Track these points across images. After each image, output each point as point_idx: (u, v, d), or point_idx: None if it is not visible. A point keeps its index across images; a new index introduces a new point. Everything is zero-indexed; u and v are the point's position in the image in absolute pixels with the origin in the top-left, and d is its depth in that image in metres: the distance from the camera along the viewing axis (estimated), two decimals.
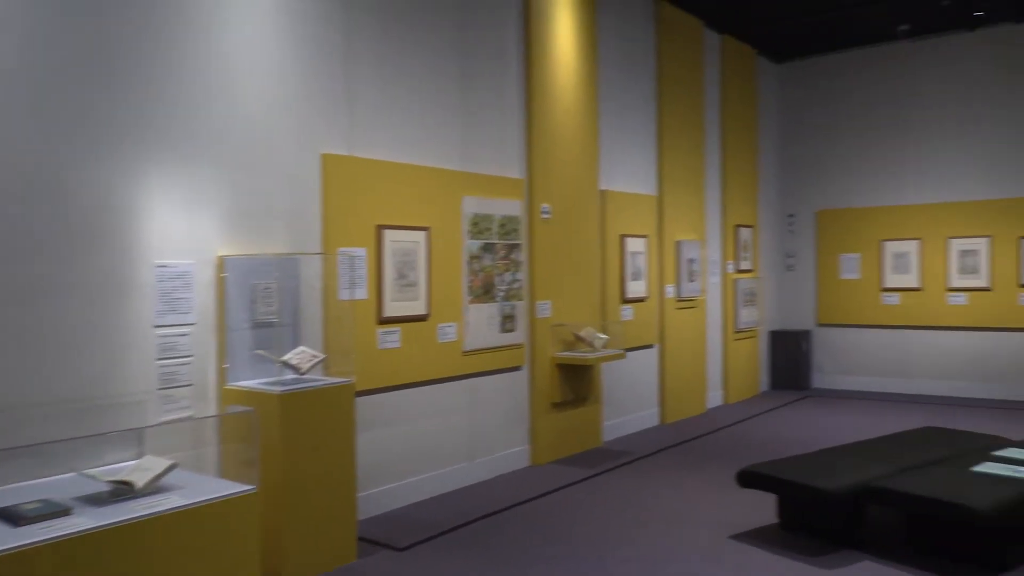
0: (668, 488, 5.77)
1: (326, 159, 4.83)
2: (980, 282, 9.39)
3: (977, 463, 4.61)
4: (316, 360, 4.34)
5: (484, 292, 5.93)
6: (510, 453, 6.25)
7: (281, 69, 4.61)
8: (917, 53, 9.77)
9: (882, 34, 9.50)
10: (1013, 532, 4.15)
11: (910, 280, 9.83)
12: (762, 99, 10.29)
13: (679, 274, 8.31)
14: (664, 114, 8.14)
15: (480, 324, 5.89)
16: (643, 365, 7.90)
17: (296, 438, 4.02)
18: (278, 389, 4.04)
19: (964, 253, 9.49)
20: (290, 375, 4.30)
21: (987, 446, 5.12)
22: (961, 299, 9.51)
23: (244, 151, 4.39)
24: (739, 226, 9.59)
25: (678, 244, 8.31)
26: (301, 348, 4.40)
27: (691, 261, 8.48)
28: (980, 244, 9.38)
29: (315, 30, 4.79)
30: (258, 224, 4.46)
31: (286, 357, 4.29)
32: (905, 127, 9.92)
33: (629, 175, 7.76)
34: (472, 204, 5.83)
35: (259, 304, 4.37)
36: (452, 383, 5.71)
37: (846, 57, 10.28)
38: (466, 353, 5.78)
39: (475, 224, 5.85)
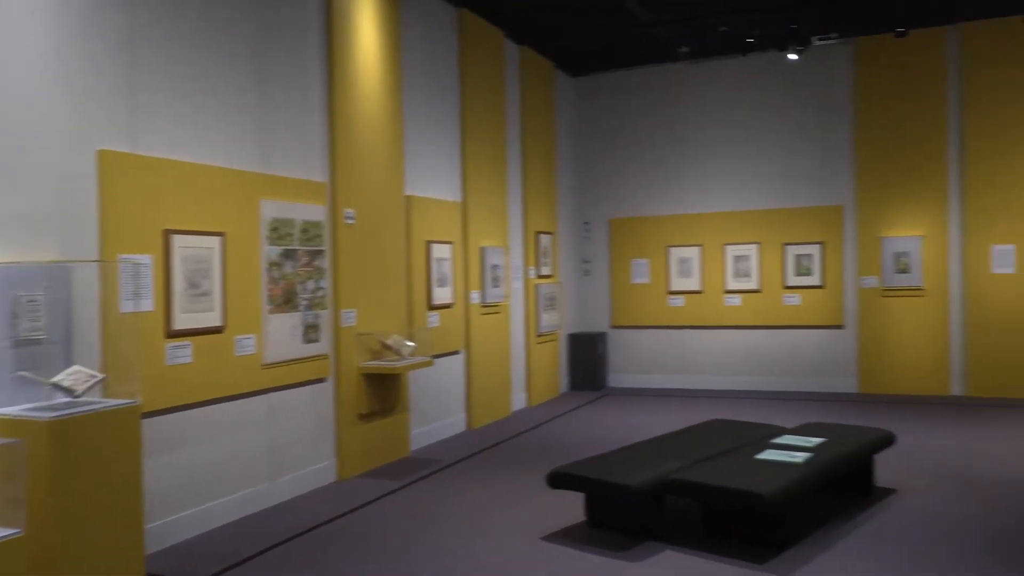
0: (479, 494, 5.77)
1: (103, 156, 4.35)
2: (752, 285, 10.31)
3: (760, 451, 5.00)
4: (93, 380, 3.89)
5: (285, 301, 5.63)
6: (315, 469, 5.98)
7: (51, 52, 4.09)
8: (697, 74, 10.57)
9: (666, 54, 10.17)
10: (792, 512, 4.53)
11: (693, 283, 10.59)
12: (559, 111, 10.68)
13: (484, 280, 8.39)
14: (468, 121, 8.19)
15: (281, 335, 5.59)
16: (450, 371, 7.89)
17: (71, 470, 3.57)
18: (47, 415, 3.56)
19: (738, 258, 10.37)
20: (62, 399, 3.81)
21: (767, 435, 5.58)
22: (736, 300, 10.38)
23: (3, 144, 3.85)
24: (540, 233, 9.86)
25: (482, 250, 8.39)
26: (75, 368, 3.92)
27: (495, 267, 8.59)
28: (751, 250, 10.30)
29: (90, 5, 4.30)
30: (22, 228, 3.93)
31: (57, 379, 3.80)
32: (687, 142, 10.68)
33: (434, 181, 7.73)
34: (272, 208, 5.52)
35: (22, 319, 3.84)
36: (251, 399, 5.37)
37: (635, 74, 10.91)
38: (266, 366, 5.45)
39: (275, 229, 5.54)
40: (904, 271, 9.57)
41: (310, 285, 5.88)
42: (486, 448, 7.28)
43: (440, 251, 7.62)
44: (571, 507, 5.17)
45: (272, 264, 5.52)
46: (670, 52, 10.02)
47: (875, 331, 9.75)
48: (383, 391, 6.63)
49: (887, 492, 5.53)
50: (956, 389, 9.42)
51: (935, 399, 9.24)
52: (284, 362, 5.61)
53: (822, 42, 9.62)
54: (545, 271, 10.04)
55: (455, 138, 8.11)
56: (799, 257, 10.12)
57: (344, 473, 6.22)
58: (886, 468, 5.96)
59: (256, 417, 5.42)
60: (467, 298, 8.16)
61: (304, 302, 5.81)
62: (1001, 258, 9.18)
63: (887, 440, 5.62)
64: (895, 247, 9.60)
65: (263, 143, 5.54)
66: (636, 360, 10.94)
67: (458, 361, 8.05)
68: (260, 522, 5.16)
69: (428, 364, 6.71)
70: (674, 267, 10.70)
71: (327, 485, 6.04)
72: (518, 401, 9.33)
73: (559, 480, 4.84)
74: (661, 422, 8.08)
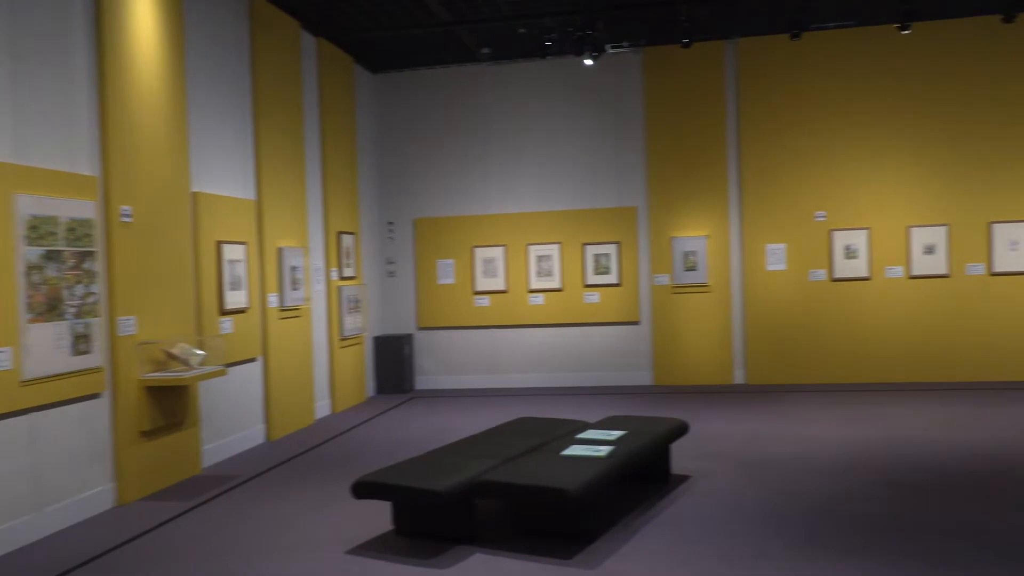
0: (278, 510, 5.41)
1: None
2: (554, 284, 10.57)
3: (565, 447, 5.07)
4: None
5: (49, 309, 4.98)
6: (89, 495, 5.35)
7: None
8: (499, 75, 10.68)
9: (468, 55, 10.19)
10: (598, 504, 4.61)
11: (498, 283, 10.69)
12: (361, 108, 10.39)
13: (282, 282, 7.95)
14: (261, 115, 7.73)
15: (44, 347, 4.93)
16: (246, 380, 7.40)
17: None
18: None
19: (541, 258, 10.60)
20: None
21: (572, 430, 5.68)
22: (539, 299, 10.60)
23: None
24: (341, 233, 9.52)
25: (280, 251, 7.95)
26: None
27: (294, 269, 8.18)
28: (553, 250, 10.56)
29: None
30: None
31: None
32: (490, 143, 10.77)
33: (225, 177, 7.21)
34: (29, 204, 4.85)
35: None
36: (7, 421, 4.69)
37: (437, 73, 10.85)
38: (26, 383, 4.79)
39: (34, 228, 4.88)
40: (692, 269, 10.21)
41: (79, 290, 5.24)
42: (287, 460, 6.89)
43: (233, 252, 7.12)
44: (378, 517, 4.97)
45: (32, 267, 4.85)
46: (472, 52, 10.06)
47: (667, 326, 10.32)
48: (169, 405, 6.07)
49: (682, 479, 5.81)
50: (739, 378, 10.18)
51: (721, 388, 9.93)
52: (48, 377, 4.96)
53: (615, 50, 10.06)
54: (348, 272, 9.71)
55: (248, 133, 7.62)
56: (598, 256, 10.51)
57: (125, 497, 5.61)
58: (681, 455, 6.27)
59: (14, 442, 4.74)
60: (264, 302, 7.69)
61: (72, 309, 5.17)
62: (774, 256, 10.04)
63: (681, 429, 5.90)
64: (684, 246, 10.22)
65: (17, 131, 4.86)
66: (444, 361, 10.88)
67: (255, 369, 7.57)
68: (23, 560, 4.52)
69: (221, 373, 6.23)
70: (479, 267, 10.75)
71: (104, 512, 5.42)
72: (322, 408, 8.95)
73: (364, 490, 4.62)
74: (469, 423, 8.05)
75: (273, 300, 7.82)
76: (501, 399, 9.71)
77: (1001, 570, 3.99)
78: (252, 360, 7.49)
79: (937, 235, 9.68)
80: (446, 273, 10.84)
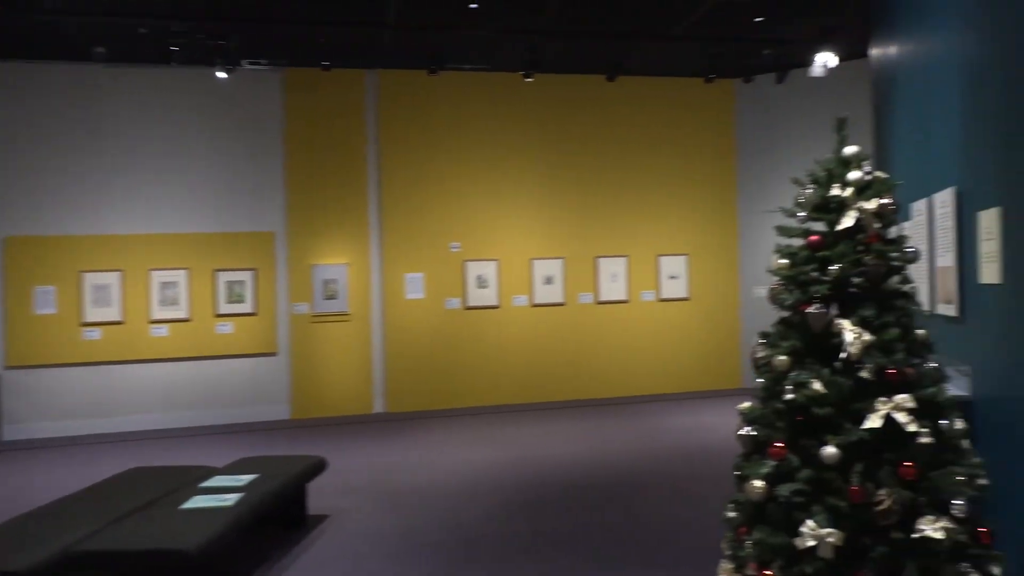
0: None
1: None
2: (181, 313, 9.61)
3: (186, 499, 4.47)
4: None
5: None
6: None
7: None
8: (118, 78, 9.49)
9: (80, 52, 8.89)
10: (225, 561, 4.12)
11: (112, 313, 9.42)
12: None
13: None
14: None
15: None
16: None
17: None
18: None
19: (165, 285, 9.57)
20: None
21: (196, 478, 5.06)
22: (163, 331, 9.55)
23: None
24: None
25: None
26: None
27: None
28: (179, 276, 9.60)
29: None
30: None
31: None
32: (106, 154, 9.50)
33: None
34: None
35: None
36: None
37: (42, 69, 9.30)
38: None
39: None
40: (332, 297, 9.97)
41: None
42: None
43: None
44: None
45: None
46: (84, 50, 8.79)
47: (306, 356, 9.93)
48: None
49: (321, 518, 5.50)
50: (379, 406, 10.13)
51: (361, 418, 9.78)
52: None
53: (252, 66, 9.53)
54: None
55: None
56: (231, 284, 9.78)
57: None
58: (319, 494, 5.96)
59: None
60: None
61: None
62: (413, 284, 10.22)
63: (318, 467, 5.59)
64: (324, 274, 9.95)
65: None
66: (42, 405, 9.25)
67: None
68: None
69: None
70: (89, 295, 9.37)
71: None
72: None
73: None
74: (71, 479, 6.87)
75: None
76: (114, 447, 8.50)
77: (636, 567, 4.33)
78: None
79: (555, 267, 10.64)
80: (46, 302, 9.27)
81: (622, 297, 10.81)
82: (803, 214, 3.05)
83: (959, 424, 2.82)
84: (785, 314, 3.12)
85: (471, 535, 5.07)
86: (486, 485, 6.31)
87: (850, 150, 3.05)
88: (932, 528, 2.62)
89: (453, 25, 8.56)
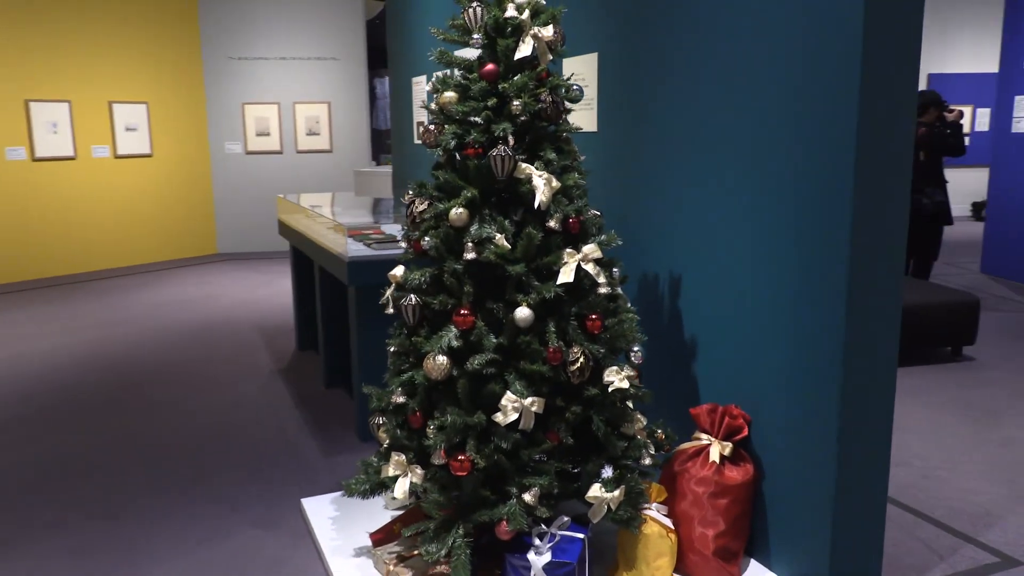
0: None
1: None
2: None
3: None
4: None
5: None
6: None
7: None
8: None
9: None
10: None
11: None
12: None
13: None
14: None
15: None
16: None
17: None
18: None
19: None
20: None
21: None
22: None
23: None
24: None
25: None
26: None
27: None
28: None
29: None
30: None
31: None
32: None
33: None
34: None
35: None
36: None
37: None
38: None
39: None
40: None
41: None
42: None
43: None
44: None
45: None
46: None
47: None
48: None
49: None
50: None
51: None
52: None
53: None
54: None
55: None
56: None
57: None
58: None
59: None
60: None
61: None
62: None
63: None
64: None
65: None
66: None
67: None
68: None
69: None
70: None
71: None
72: None
73: None
74: None
75: None
76: None
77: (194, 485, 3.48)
78: None
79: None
80: None
81: (67, 153, 8.77)
82: (478, 37, 2.51)
83: (616, 270, 2.76)
84: (442, 158, 2.63)
85: None
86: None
87: None
88: (618, 379, 2.53)
89: None
